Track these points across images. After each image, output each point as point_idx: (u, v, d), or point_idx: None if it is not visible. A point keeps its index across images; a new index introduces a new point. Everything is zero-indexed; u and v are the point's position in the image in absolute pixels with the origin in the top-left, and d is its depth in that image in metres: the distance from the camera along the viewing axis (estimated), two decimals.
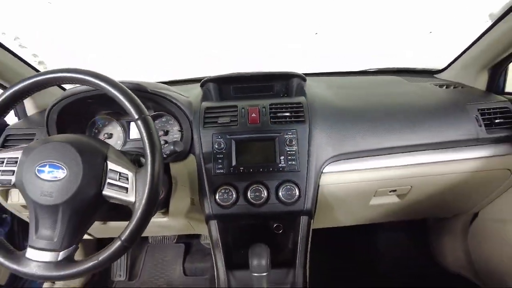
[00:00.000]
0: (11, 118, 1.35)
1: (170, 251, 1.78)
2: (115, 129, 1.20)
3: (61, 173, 0.70)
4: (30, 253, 0.69)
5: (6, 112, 0.79)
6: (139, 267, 1.74)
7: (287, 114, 1.06)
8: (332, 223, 1.26)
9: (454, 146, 1.07)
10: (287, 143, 1.01)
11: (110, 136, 1.19)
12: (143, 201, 0.69)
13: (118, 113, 1.18)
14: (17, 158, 0.74)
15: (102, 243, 1.41)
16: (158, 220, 1.13)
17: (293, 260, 1.02)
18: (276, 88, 1.29)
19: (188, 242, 1.83)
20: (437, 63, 1.51)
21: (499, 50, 1.14)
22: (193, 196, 1.06)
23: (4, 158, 0.75)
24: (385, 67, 1.65)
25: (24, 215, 1.23)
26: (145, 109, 0.73)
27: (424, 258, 1.71)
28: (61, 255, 0.70)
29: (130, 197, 0.70)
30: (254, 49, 1.70)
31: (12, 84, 1.19)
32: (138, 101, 0.73)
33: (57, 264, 0.69)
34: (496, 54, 1.16)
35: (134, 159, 0.88)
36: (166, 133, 1.19)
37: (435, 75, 1.53)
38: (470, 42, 1.25)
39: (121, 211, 0.85)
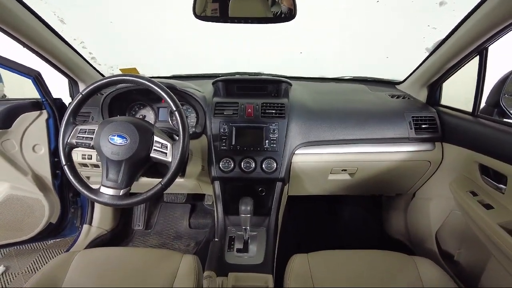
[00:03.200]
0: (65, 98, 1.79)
1: (179, 209, 2.26)
2: (148, 112, 1.64)
3: (125, 141, 1.12)
4: (102, 189, 1.12)
5: (89, 98, 1.21)
6: (154, 220, 2.21)
7: (273, 111, 1.49)
8: (303, 192, 1.72)
9: (391, 142, 1.51)
10: (271, 132, 1.45)
11: (144, 117, 1.62)
12: (177, 161, 1.13)
13: (151, 101, 1.62)
14: (94, 129, 1.16)
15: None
16: (177, 180, 1.58)
17: (270, 212, 1.48)
18: (269, 89, 1.71)
19: (194, 203, 2.31)
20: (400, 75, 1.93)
21: (432, 73, 1.56)
22: (203, 164, 1.51)
23: (86, 129, 1.18)
24: (358, 76, 2.06)
25: (78, 171, 1.69)
26: (179, 104, 1.16)
27: (375, 228, 2.18)
28: (122, 191, 1.12)
29: (169, 158, 1.14)
30: (254, 58, 2.13)
31: (80, 80, 1.63)
32: (175, 98, 1.16)
33: (120, 197, 1.11)
34: (431, 75, 1.58)
35: (168, 135, 1.32)
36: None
37: (396, 86, 1.95)
38: (417, 66, 1.67)
39: (151, 171, 1.28)
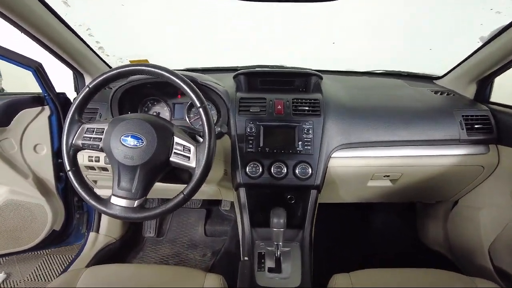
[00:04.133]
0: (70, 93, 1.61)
1: (194, 214, 2.08)
2: (162, 109, 1.46)
3: (140, 143, 0.95)
4: (113, 199, 0.95)
5: (96, 92, 1.03)
6: (166, 227, 2.03)
7: (306, 108, 1.30)
8: (336, 199, 1.53)
9: (439, 144, 1.32)
10: (305, 131, 1.27)
11: (158, 114, 1.45)
12: (202, 167, 0.95)
13: (166, 96, 1.44)
14: (103, 128, 0.99)
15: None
16: None
17: (303, 223, 1.29)
18: (296, 83, 1.53)
19: (209, 208, 2.12)
20: (439, 69, 1.73)
21: (485, 67, 1.37)
22: (226, 168, 1.33)
23: (94, 128, 1.00)
24: (390, 70, 1.87)
25: (84, 174, 1.51)
26: (204, 100, 0.98)
27: (409, 237, 1.99)
28: (136, 202, 0.95)
29: (192, 164, 0.96)
30: (274, 50, 1.94)
31: (86, 72, 1.46)
32: (200, 93, 0.98)
33: (133, 209, 0.94)
34: (483, 70, 1.38)
35: (190, 136, 1.14)
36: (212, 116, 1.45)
37: (434, 81, 1.76)
38: (463, 58, 1.47)
39: (168, 175, 1.11)
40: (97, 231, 1.79)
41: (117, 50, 1.60)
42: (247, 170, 1.24)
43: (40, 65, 1.44)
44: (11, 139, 1.47)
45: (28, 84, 1.54)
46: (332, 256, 1.87)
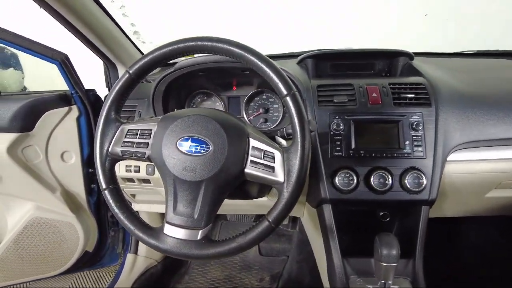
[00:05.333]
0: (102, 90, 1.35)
1: (245, 228, 1.77)
2: (214, 105, 1.17)
3: (205, 148, 0.66)
4: (168, 229, 0.66)
5: (139, 81, 0.75)
6: None
7: (412, 95, 0.97)
8: (438, 214, 1.18)
9: None
10: (413, 127, 0.93)
11: None
12: (293, 181, 0.64)
13: (219, 88, 1.14)
14: (151, 130, 0.71)
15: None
16: (257, 199, 1.10)
17: (411, 251, 0.95)
18: (377, 66, 1.21)
19: None
20: None
21: None
22: None
23: (138, 129, 0.72)
24: (486, 50, 1.49)
25: (121, 187, 1.25)
26: (293, 85, 0.67)
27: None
28: (201, 233, 0.66)
29: (278, 177, 0.65)
30: (339, 30, 1.60)
31: (120, 62, 1.19)
32: (286, 76, 0.67)
33: (197, 243, 0.66)
34: None
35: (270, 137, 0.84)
36: (267, 111, 1.14)
37: None
38: None
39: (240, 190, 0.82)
40: (136, 252, 1.52)
41: (155, 37, 1.32)
42: (337, 180, 0.91)
43: (66, 57, 1.19)
44: (35, 146, 1.23)
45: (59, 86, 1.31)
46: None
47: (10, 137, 1.16)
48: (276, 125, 1.13)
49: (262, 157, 0.67)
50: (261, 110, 1.14)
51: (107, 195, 0.70)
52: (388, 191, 0.90)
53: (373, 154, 0.93)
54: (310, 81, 1.04)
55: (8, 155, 1.16)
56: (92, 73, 1.35)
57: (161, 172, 0.69)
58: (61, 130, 1.23)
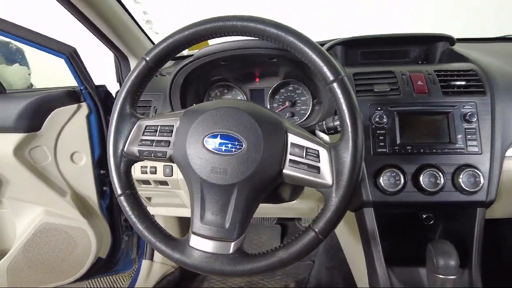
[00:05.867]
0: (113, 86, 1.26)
1: (266, 232, 1.66)
2: (236, 98, 1.07)
3: (237, 146, 0.56)
4: (194, 241, 0.57)
5: (158, 69, 0.65)
6: None
7: (462, 83, 0.85)
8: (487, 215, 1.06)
9: None
10: (465, 118, 0.82)
11: None
12: (344, 184, 0.54)
13: (241, 79, 1.04)
14: (172, 125, 0.61)
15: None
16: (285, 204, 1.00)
17: (466, 259, 0.84)
18: (412, 53, 1.11)
19: (284, 223, 1.69)
20: None
21: None
22: None
23: (157, 125, 0.62)
24: None
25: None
26: (341, 69, 0.57)
27: None
28: (233, 246, 0.57)
29: (326, 179, 0.55)
30: (363, 15, 1.48)
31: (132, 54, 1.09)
32: (333, 59, 0.57)
33: (230, 257, 0.56)
34: None
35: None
36: (293, 104, 1.04)
37: None
38: None
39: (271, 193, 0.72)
40: (151, 258, 1.43)
41: (169, 27, 1.22)
42: (381, 181, 0.80)
43: (74, 50, 1.11)
44: (44, 147, 1.14)
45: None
46: None
47: (16, 137, 1.07)
48: (304, 120, 1.03)
49: (304, 156, 0.57)
50: (287, 103, 1.03)
51: (123, 202, 0.61)
52: (439, 192, 0.79)
53: (421, 150, 0.82)
54: (344, 69, 0.94)
55: (15, 157, 1.08)
56: (96, 72, 1.26)
57: (186, 174, 0.60)
58: (70, 129, 1.14)
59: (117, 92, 0.72)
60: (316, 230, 0.55)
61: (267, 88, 1.03)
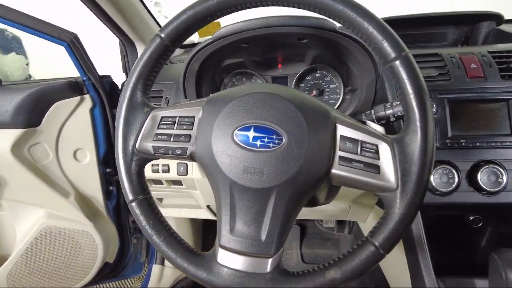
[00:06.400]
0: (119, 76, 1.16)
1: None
2: None
3: (276, 141, 0.46)
4: (223, 256, 0.47)
5: (176, 47, 0.54)
6: None
7: None
8: None
9: None
10: None
11: None
12: (412, 187, 0.43)
13: (262, 67, 0.93)
14: (193, 116, 0.51)
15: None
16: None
17: None
18: (450, 36, 1.00)
19: (303, 223, 1.59)
20: None
21: None
22: None
23: (176, 116, 0.52)
24: None
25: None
26: (404, 45, 0.46)
27: None
28: (271, 262, 0.47)
29: (388, 181, 0.45)
30: None
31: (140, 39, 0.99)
32: (395, 34, 0.46)
33: (268, 277, 0.46)
34: None
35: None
36: (321, 92, 0.93)
37: None
38: None
39: None
40: (162, 263, 1.34)
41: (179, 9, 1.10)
42: (432, 179, 0.70)
43: (75, 37, 1.01)
44: (44, 144, 1.05)
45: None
46: None
47: (14, 134, 0.98)
48: None
49: (359, 152, 0.46)
50: (314, 92, 0.92)
51: (135, 209, 0.51)
52: (500, 192, 0.69)
53: (478, 144, 0.71)
54: None
55: (13, 155, 0.99)
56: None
57: (211, 175, 0.49)
58: (73, 124, 1.05)
59: (123, 83, 0.61)
60: (377, 244, 0.44)
61: (292, 75, 0.92)
